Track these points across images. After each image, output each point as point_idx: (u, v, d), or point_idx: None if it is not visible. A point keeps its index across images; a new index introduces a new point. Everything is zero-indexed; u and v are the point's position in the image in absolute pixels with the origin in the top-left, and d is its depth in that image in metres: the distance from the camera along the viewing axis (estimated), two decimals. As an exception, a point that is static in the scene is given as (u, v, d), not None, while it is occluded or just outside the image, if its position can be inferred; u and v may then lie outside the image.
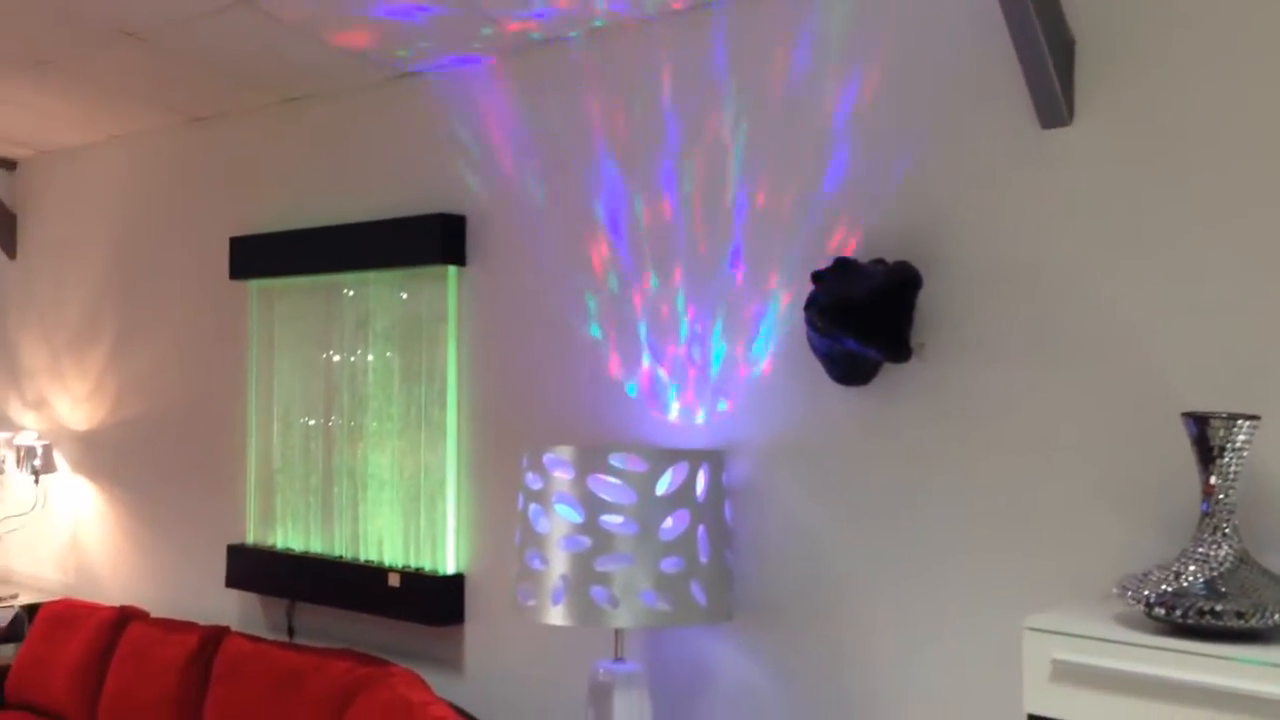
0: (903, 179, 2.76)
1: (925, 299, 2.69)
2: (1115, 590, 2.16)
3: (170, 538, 4.71)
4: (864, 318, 2.62)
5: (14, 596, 5.09)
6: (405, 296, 3.84)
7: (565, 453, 2.83)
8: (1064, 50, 2.49)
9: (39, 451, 5.07)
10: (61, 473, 5.18)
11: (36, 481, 5.12)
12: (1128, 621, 2.16)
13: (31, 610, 4.96)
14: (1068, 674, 2.15)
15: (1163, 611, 2.04)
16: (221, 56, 3.91)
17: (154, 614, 4.58)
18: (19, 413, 5.48)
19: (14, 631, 4.94)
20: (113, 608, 4.53)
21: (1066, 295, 2.51)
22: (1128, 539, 2.41)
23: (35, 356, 5.40)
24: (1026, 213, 2.57)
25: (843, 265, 2.72)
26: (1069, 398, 2.50)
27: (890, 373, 2.76)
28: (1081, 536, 2.47)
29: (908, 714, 2.72)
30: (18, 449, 5.13)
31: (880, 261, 2.72)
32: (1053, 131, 2.53)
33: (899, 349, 2.61)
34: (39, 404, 5.37)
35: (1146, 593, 2.07)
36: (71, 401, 5.20)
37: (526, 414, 3.52)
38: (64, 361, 5.24)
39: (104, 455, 5.02)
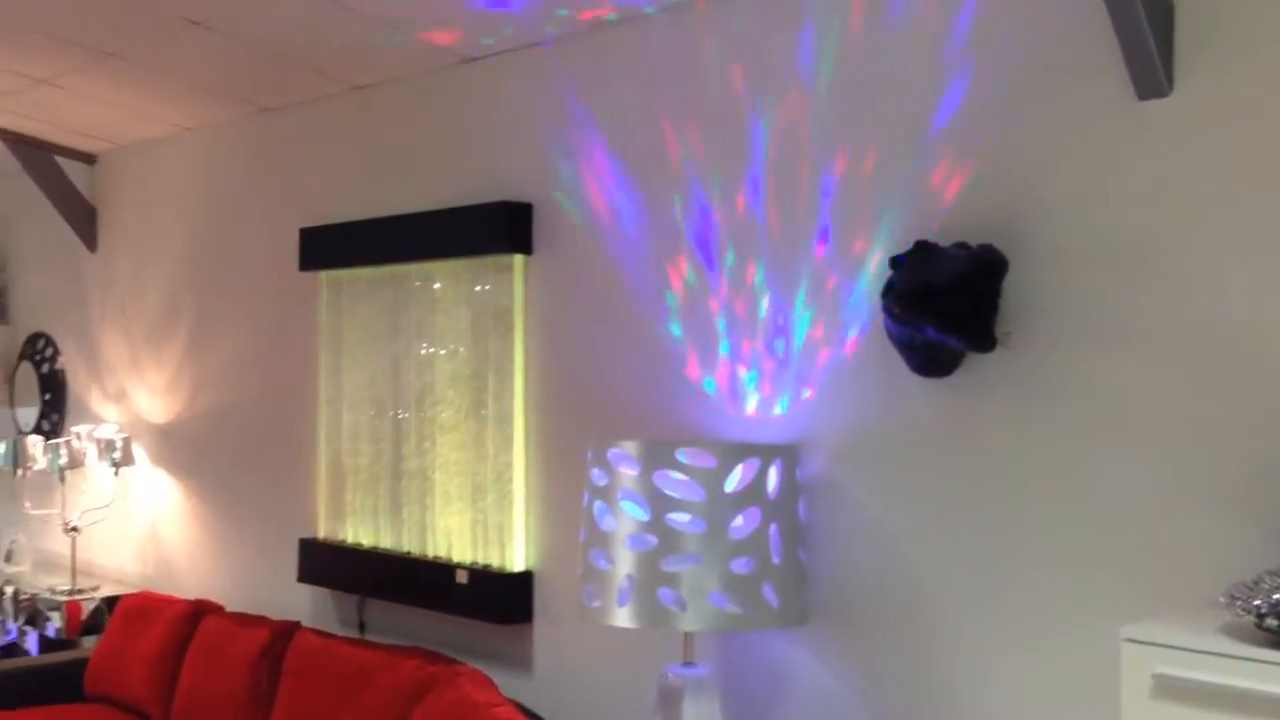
0: (988, 157, 2.59)
1: (1012, 284, 2.52)
2: (1222, 599, 1.99)
3: (244, 531, 4.70)
4: (944, 305, 2.46)
5: (95, 589, 5.13)
6: (472, 286, 3.75)
7: (630, 448, 2.71)
8: (1162, 16, 2.30)
9: (119, 444, 5.10)
10: (140, 465, 5.20)
11: (116, 474, 5.15)
12: (1236, 633, 1.98)
13: (111, 602, 4.98)
14: (1170, 690, 1.98)
15: (1275, 623, 1.87)
16: (288, 44, 3.86)
17: (229, 607, 4.56)
18: (100, 405, 5.52)
19: (96, 624, 4.98)
20: (188, 601, 4.53)
21: (1168, 278, 2.33)
22: (1235, 543, 2.22)
23: (115, 349, 5.43)
24: (1122, 190, 2.39)
25: (922, 249, 2.57)
26: (1171, 390, 2.31)
27: (974, 363, 2.60)
28: (1184, 540, 2.29)
29: (994, 726, 2.56)
30: (98, 442, 5.16)
31: (963, 245, 2.56)
32: (1151, 103, 2.35)
33: (982, 338, 2.45)
34: (119, 397, 5.41)
35: (1257, 602, 1.90)
36: (149, 394, 5.22)
37: (596, 407, 3.41)
38: (142, 354, 5.26)
39: (180, 448, 5.03)
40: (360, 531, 4.12)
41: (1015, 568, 2.53)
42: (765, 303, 3.00)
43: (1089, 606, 2.41)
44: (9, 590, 5.26)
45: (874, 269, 2.78)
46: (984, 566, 2.58)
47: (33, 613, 5.09)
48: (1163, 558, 2.31)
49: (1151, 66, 2.30)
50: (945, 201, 2.66)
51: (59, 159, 5.43)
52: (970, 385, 2.60)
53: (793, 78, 2.94)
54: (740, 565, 2.65)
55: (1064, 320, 2.46)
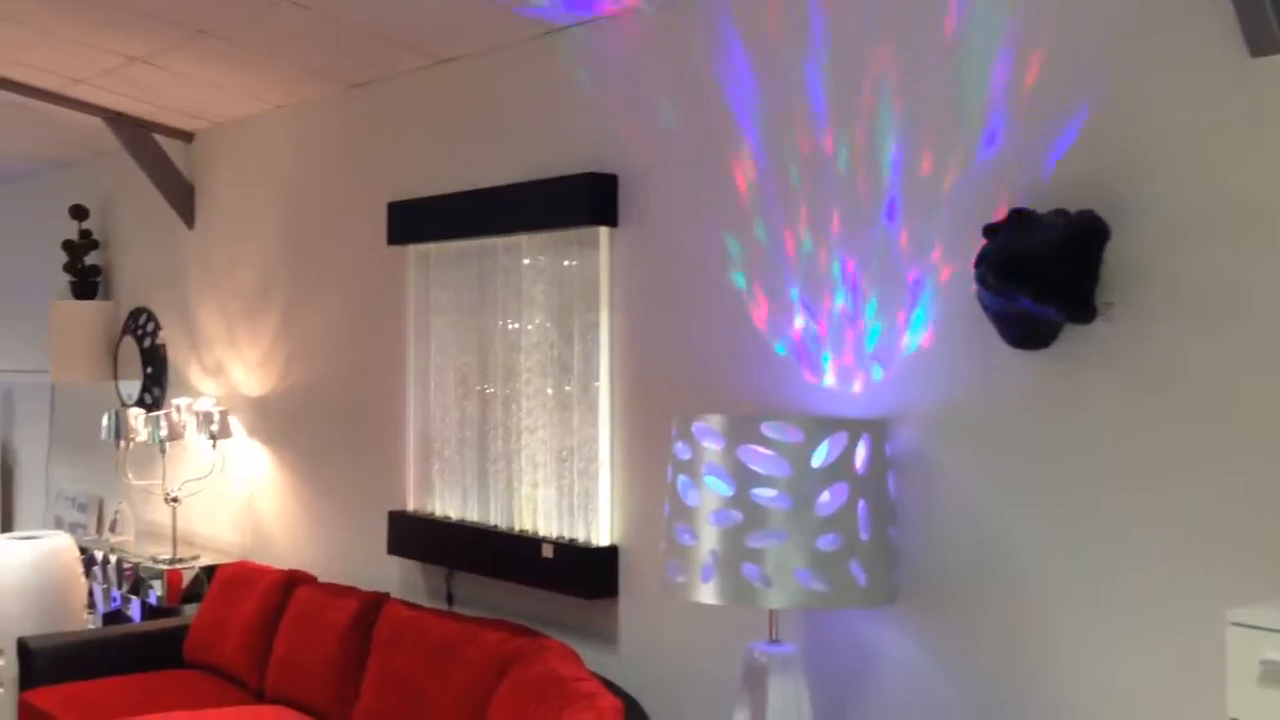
0: (1088, 118, 2.48)
1: (1114, 253, 2.41)
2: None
3: (335, 502, 4.75)
4: (1042, 274, 2.36)
5: (195, 558, 5.24)
6: (558, 259, 3.73)
7: (715, 421, 2.67)
8: (1278, -34, 2.17)
9: (216, 417, 5.19)
10: (237, 438, 5.29)
11: (214, 446, 5.24)
12: (1351, 619, 1.88)
13: (209, 571, 5.09)
14: (1278, 676, 1.89)
15: (1395, 610, 1.76)
16: (378, 19, 3.87)
17: (320, 578, 4.63)
18: (199, 379, 5.62)
19: (195, 592, 5.09)
20: (282, 571, 4.60)
21: (1280, 245, 2.21)
22: (1352, 523, 2.11)
23: (213, 324, 5.52)
24: (1233, 152, 2.27)
25: (1018, 217, 2.47)
26: (1282, 362, 2.20)
27: (1073, 335, 2.50)
28: (1295, 520, 2.18)
29: (1093, 711, 2.46)
30: (197, 414, 5.26)
31: (1061, 212, 2.46)
32: (1264, 59, 2.22)
33: (1082, 308, 2.35)
34: (216, 371, 5.51)
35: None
36: (245, 368, 5.30)
37: (680, 380, 3.36)
38: (238, 329, 5.35)
39: (275, 421, 5.10)
40: (448, 504, 4.14)
41: (1116, 548, 2.43)
42: (851, 272, 2.93)
43: (1194, 590, 2.31)
44: (113, 559, 5.41)
45: (966, 238, 2.68)
46: (1082, 547, 2.48)
47: (135, 581, 5.22)
48: (1273, 539, 2.20)
49: (1265, 21, 2.18)
50: (1042, 167, 2.55)
51: (158, 137, 5.53)
52: (1069, 358, 2.50)
53: (884, 36, 2.85)
54: (827, 542, 2.59)
55: (1170, 291, 2.35)
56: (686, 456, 2.71)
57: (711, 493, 2.64)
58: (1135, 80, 2.40)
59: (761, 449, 2.60)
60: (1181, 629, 2.32)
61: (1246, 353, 2.24)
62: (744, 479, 2.60)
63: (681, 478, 2.71)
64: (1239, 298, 2.26)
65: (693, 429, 2.69)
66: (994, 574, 2.64)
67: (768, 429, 2.61)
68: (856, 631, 2.91)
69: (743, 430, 2.62)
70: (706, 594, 2.63)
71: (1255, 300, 2.24)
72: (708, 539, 2.63)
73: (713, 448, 2.65)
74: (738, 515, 2.60)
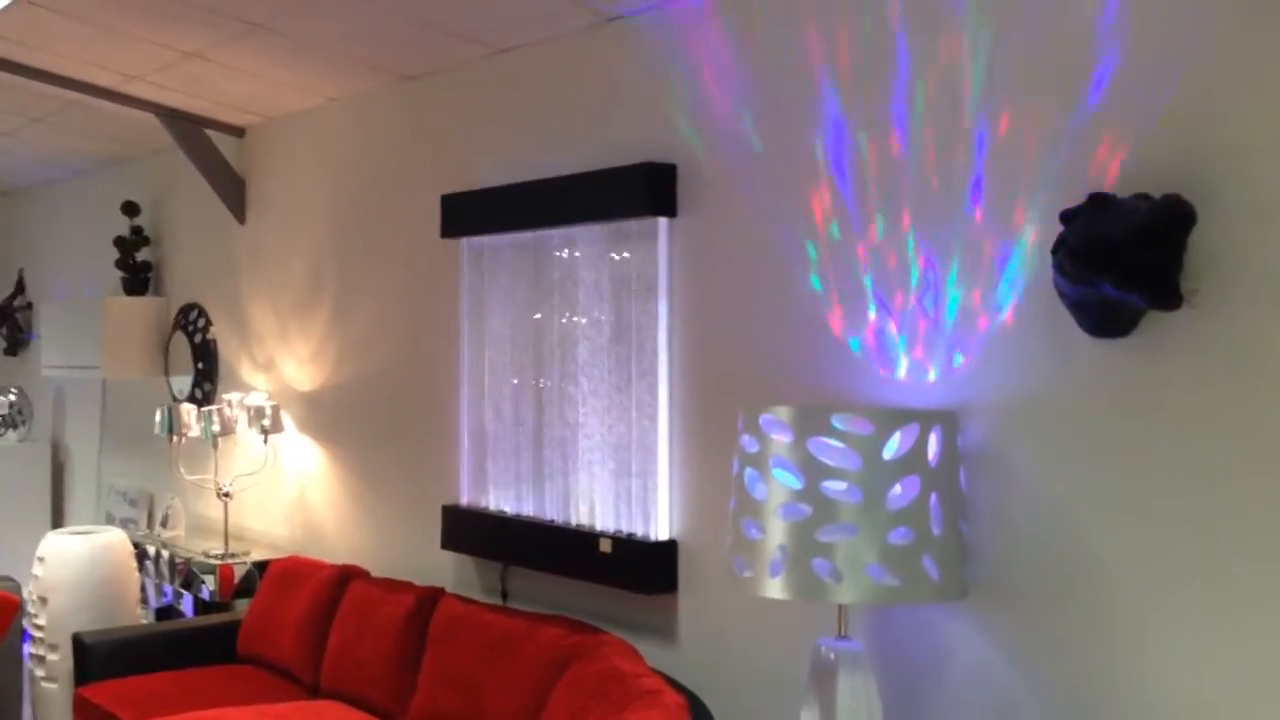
0: (1174, 96, 2.40)
1: (1199, 237, 2.33)
2: None
3: (388, 497, 4.73)
4: (1125, 259, 2.29)
5: (246, 553, 5.24)
6: (615, 250, 3.68)
7: (783, 413, 2.61)
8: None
9: (268, 412, 5.19)
10: (288, 432, 5.29)
11: (265, 441, 5.24)
12: None
13: (261, 566, 5.09)
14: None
15: None
16: (431, 10, 3.84)
17: (374, 573, 4.61)
18: (250, 374, 5.63)
19: (248, 587, 5.09)
20: (335, 566, 4.59)
21: (1377, 229, 2.12)
22: None
23: (264, 319, 5.53)
24: (1325, 133, 2.19)
25: (1097, 202, 2.40)
26: (1380, 350, 2.11)
27: (1155, 323, 2.42)
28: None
29: (1178, 715, 2.39)
30: (249, 409, 5.26)
31: (1144, 196, 2.38)
32: (1360, 35, 2.14)
33: (1168, 295, 2.27)
34: (267, 366, 5.51)
35: None
36: (296, 363, 5.30)
37: (742, 373, 3.31)
38: (289, 323, 5.34)
39: (326, 415, 5.09)
40: (502, 499, 4.11)
41: (1204, 547, 2.35)
42: (919, 260, 2.86)
43: (1285, 585, 2.23)
44: (165, 554, 5.42)
45: (1041, 223, 2.61)
46: (1167, 545, 2.40)
47: (188, 576, 5.23)
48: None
49: (1361, -4, 2.10)
50: (1120, 149, 2.48)
51: (210, 133, 5.54)
52: (1151, 347, 2.43)
53: (951, 14, 2.79)
54: (899, 536, 2.53)
55: (1260, 276, 2.27)
56: (754, 449, 2.66)
57: (780, 486, 2.59)
58: (1228, 56, 2.32)
59: (832, 441, 2.55)
60: (1272, 635, 2.24)
61: (1340, 340, 2.16)
62: (813, 472, 2.54)
63: (749, 471, 2.66)
64: (1331, 284, 2.18)
65: (760, 421, 2.64)
66: (1068, 571, 2.57)
67: (838, 421, 2.55)
68: (925, 627, 2.85)
69: (812, 422, 2.56)
70: (775, 589, 2.58)
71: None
72: (776, 533, 2.58)
73: (781, 440, 2.60)
74: (807, 509, 2.54)
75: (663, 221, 3.51)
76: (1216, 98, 2.34)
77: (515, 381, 4.06)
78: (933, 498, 2.57)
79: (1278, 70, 2.25)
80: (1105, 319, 2.45)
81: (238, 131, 5.63)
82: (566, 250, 3.85)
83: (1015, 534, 2.67)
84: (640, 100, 3.62)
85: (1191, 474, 2.37)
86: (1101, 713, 2.50)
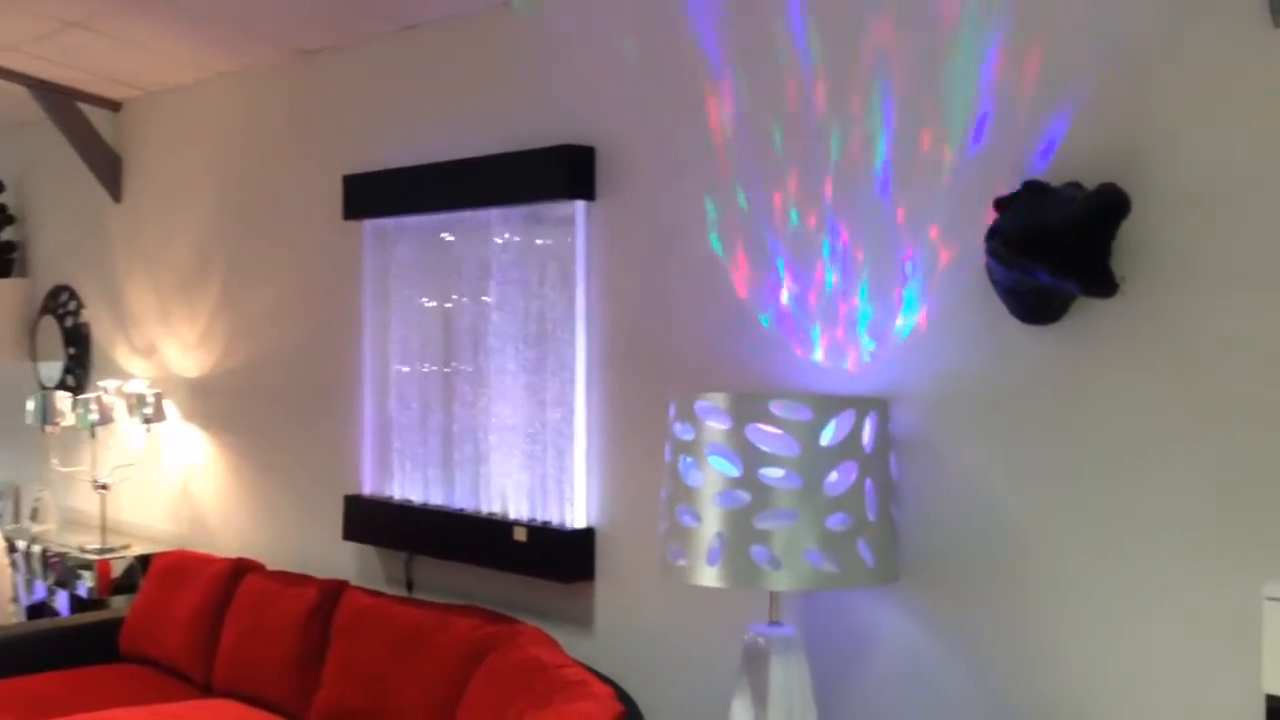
0: (1099, 89, 2.44)
1: (1125, 225, 2.38)
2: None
3: (284, 488, 4.58)
4: (1061, 247, 2.33)
5: (126, 547, 5.02)
6: (530, 234, 3.61)
7: (720, 400, 2.59)
8: (1302, -63, 2.16)
9: (150, 400, 4.97)
10: (172, 421, 5.08)
11: (148, 430, 5.03)
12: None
13: (144, 561, 4.88)
14: (1323, 652, 1.88)
15: None
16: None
17: (269, 566, 4.46)
18: (127, 360, 5.39)
19: (128, 583, 4.88)
20: (228, 559, 4.43)
21: (1303, 219, 2.20)
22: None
23: (143, 302, 5.29)
24: (1252, 124, 2.25)
25: (1032, 189, 2.43)
26: (1307, 336, 2.19)
27: (1083, 310, 2.47)
28: (1320, 494, 2.17)
29: (1107, 692, 2.45)
30: (129, 397, 5.03)
31: (1075, 184, 2.42)
32: (1288, 31, 2.21)
33: (1104, 283, 2.31)
34: (147, 351, 5.28)
35: None
36: (180, 348, 5.09)
37: (662, 359, 3.28)
38: (172, 307, 5.13)
39: (215, 403, 4.90)
40: (409, 488, 4.00)
41: (1130, 526, 2.40)
42: (844, 242, 2.87)
43: (1216, 566, 2.29)
44: (36, 549, 5.16)
45: (971, 212, 2.64)
46: (1094, 525, 2.46)
47: (62, 572, 4.99)
48: (1300, 513, 2.19)
49: (1289, -7, 2.16)
50: (1051, 138, 2.52)
51: (82, 106, 5.27)
52: (1080, 333, 2.48)
53: (878, 2, 2.80)
54: (836, 522, 2.53)
55: (1183, 263, 2.33)
56: (689, 436, 2.63)
57: (716, 473, 2.57)
58: (1152, 50, 2.38)
59: (770, 428, 2.54)
60: (1204, 607, 2.31)
61: (1259, 321, 2.23)
62: (751, 459, 2.53)
63: (684, 458, 2.63)
64: (1247, 267, 2.25)
65: (696, 408, 2.61)
66: (995, 554, 2.61)
67: (776, 407, 2.54)
68: (852, 612, 2.86)
69: (750, 409, 2.55)
70: (711, 577, 2.56)
71: (1263, 269, 2.22)
72: (713, 521, 2.56)
73: (718, 427, 2.58)
74: (745, 496, 2.53)
75: (580, 205, 3.46)
76: (1140, 86, 2.39)
77: (424, 368, 3.96)
78: (868, 483, 2.59)
79: (1200, 65, 2.31)
80: (1037, 306, 2.49)
81: (113, 105, 5.37)
82: (479, 234, 3.76)
83: (943, 517, 2.70)
84: (556, 81, 3.56)
85: (1118, 457, 2.43)
86: (1029, 691, 2.55)
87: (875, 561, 2.59)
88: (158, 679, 4.32)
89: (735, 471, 2.54)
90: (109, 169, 5.38)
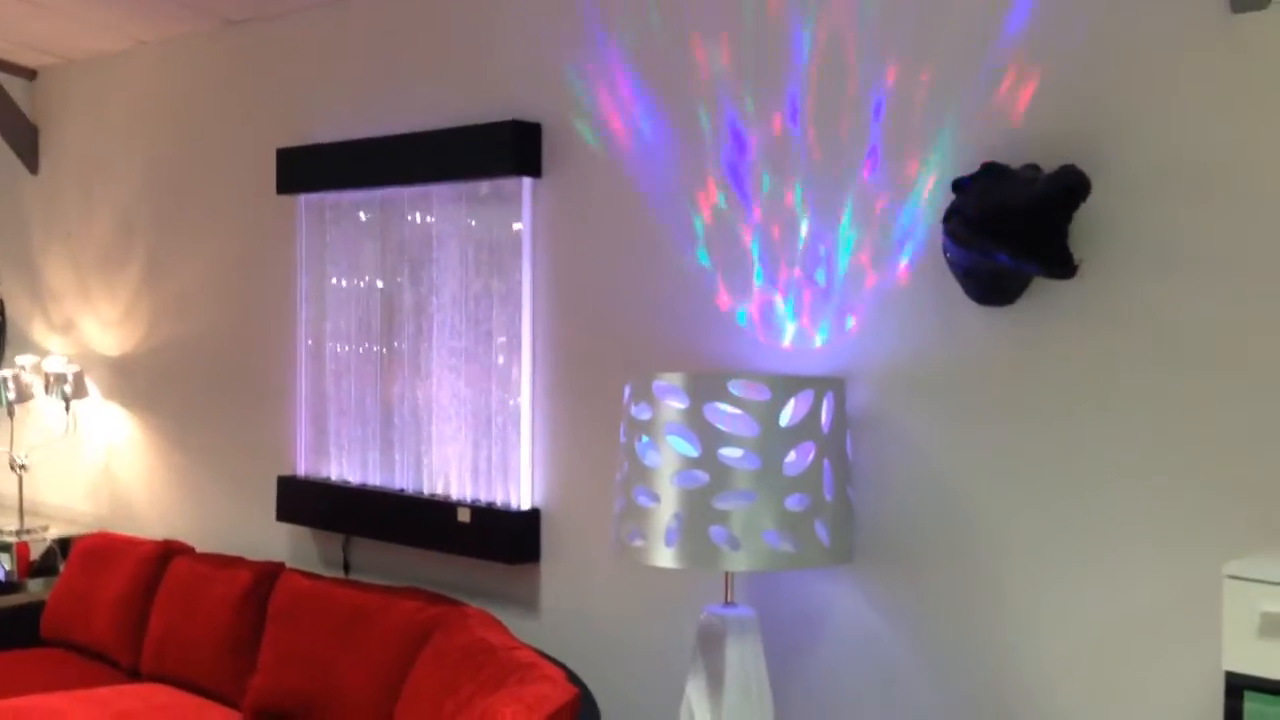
0: (1059, 73, 2.46)
1: (1081, 207, 2.40)
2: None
3: (213, 469, 4.47)
4: (1021, 229, 2.34)
5: (45, 528, 4.87)
6: (474, 211, 3.55)
7: (677, 380, 2.57)
8: (1259, -76, 2.19)
9: (69, 377, 4.82)
10: (93, 399, 4.92)
11: (67, 409, 4.87)
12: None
13: (64, 543, 4.74)
14: (1280, 628, 1.92)
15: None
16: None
17: (198, 549, 4.35)
18: (44, 336, 5.21)
19: (47, 565, 4.73)
20: (155, 542, 4.31)
21: (1255, 202, 2.23)
22: (1328, 476, 2.16)
23: (61, 277, 5.12)
24: (1209, 109, 2.29)
25: (991, 171, 2.45)
26: (1261, 314, 2.23)
27: (1039, 292, 2.49)
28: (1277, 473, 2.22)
29: (1062, 672, 2.48)
30: (47, 375, 4.87)
31: (1033, 167, 2.44)
32: (1245, 16, 2.24)
33: (1064, 264, 2.33)
34: (66, 327, 5.11)
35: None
36: (101, 325, 4.93)
37: (610, 339, 3.25)
38: (92, 283, 4.97)
39: (139, 381, 4.76)
40: (346, 468, 3.93)
41: (1087, 506, 2.44)
42: (804, 228, 2.86)
43: (1171, 547, 2.33)
44: (-52, 531, 4.98)
45: (928, 193, 2.65)
46: (1049, 505, 2.49)
47: (-23, 555, 4.83)
48: (1255, 492, 2.23)
49: (1246, -20, 2.19)
50: (1010, 120, 2.53)
51: (-4, 74, 5.07)
52: (1035, 314, 2.50)
53: (839, -10, 2.79)
54: (795, 502, 2.53)
55: (1138, 246, 2.36)
56: (645, 416, 2.61)
57: (674, 453, 2.55)
58: (1111, 34, 2.40)
59: (728, 408, 2.52)
60: (1162, 587, 2.35)
61: (1223, 305, 2.27)
62: (710, 438, 2.52)
63: (642, 438, 2.61)
64: (1203, 250, 2.28)
65: (654, 387, 2.59)
66: (949, 533, 2.63)
67: (735, 387, 2.53)
68: (805, 592, 2.87)
69: (708, 388, 2.53)
70: (668, 558, 2.54)
71: (1218, 251, 2.26)
72: (670, 501, 2.54)
73: (676, 406, 2.56)
74: (704, 476, 2.52)
75: (527, 182, 3.41)
76: (1098, 70, 2.41)
77: (363, 348, 3.88)
78: (825, 464, 2.59)
79: (1159, 49, 2.34)
80: (993, 287, 2.51)
81: (29, 74, 5.17)
82: (421, 210, 3.69)
83: (897, 497, 2.72)
84: (502, 54, 3.49)
85: (1074, 438, 2.46)
86: (983, 671, 2.58)
87: (831, 542, 2.59)
88: (82, 664, 4.20)
89: (694, 451, 2.53)
90: (25, 140, 5.19)
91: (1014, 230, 2.36)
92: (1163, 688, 2.34)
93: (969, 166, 2.54)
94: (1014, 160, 2.49)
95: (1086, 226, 2.41)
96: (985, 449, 2.58)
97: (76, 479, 5.07)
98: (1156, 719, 2.34)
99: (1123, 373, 2.39)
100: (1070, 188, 2.31)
